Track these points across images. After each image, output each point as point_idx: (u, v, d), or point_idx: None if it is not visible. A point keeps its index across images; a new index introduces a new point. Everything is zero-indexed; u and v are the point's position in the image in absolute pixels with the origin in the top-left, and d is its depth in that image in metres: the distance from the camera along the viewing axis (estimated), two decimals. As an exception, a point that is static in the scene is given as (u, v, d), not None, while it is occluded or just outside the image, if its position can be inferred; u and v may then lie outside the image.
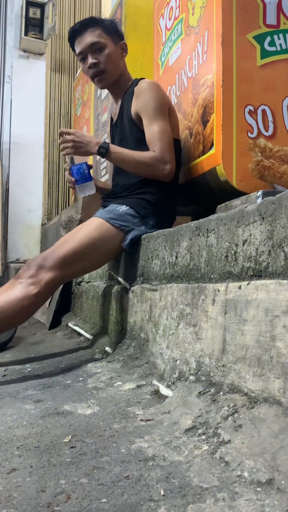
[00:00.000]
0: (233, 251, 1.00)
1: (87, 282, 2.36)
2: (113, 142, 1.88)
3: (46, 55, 4.82)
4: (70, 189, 4.52)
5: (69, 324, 2.33)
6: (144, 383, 1.23)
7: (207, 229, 1.12)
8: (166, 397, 1.10)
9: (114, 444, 0.85)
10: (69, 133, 1.65)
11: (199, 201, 1.88)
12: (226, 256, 1.02)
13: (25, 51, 4.72)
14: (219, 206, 1.36)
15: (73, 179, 1.70)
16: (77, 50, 1.75)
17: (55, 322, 2.60)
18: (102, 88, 1.86)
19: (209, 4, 1.60)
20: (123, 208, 1.67)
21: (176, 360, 1.16)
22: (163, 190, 1.70)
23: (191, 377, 1.06)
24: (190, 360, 1.09)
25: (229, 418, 0.82)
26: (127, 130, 1.76)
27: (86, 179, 1.70)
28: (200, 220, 1.16)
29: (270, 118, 1.55)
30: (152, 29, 2.20)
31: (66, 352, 1.83)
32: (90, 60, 1.72)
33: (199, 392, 0.97)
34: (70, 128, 4.71)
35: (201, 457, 0.77)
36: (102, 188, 1.95)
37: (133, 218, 1.65)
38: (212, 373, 0.98)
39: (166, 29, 2.01)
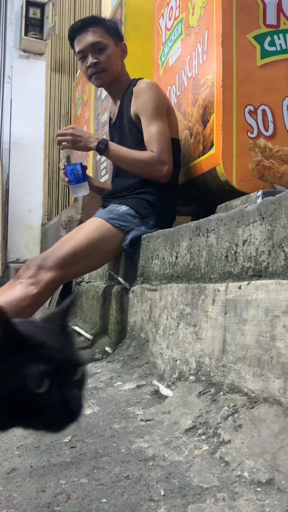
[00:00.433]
0: (233, 251, 1.00)
1: (87, 282, 2.36)
2: (112, 142, 1.87)
3: (46, 55, 4.81)
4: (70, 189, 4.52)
5: (69, 324, 2.33)
6: (144, 383, 1.23)
7: (207, 229, 1.12)
8: (166, 397, 1.10)
9: (114, 444, 0.85)
10: (66, 132, 1.64)
11: (199, 201, 1.87)
12: (226, 256, 1.02)
13: (25, 51, 4.72)
14: (219, 206, 1.36)
15: (66, 179, 1.70)
16: (77, 48, 1.73)
17: (55, 322, 2.59)
18: (98, 86, 1.84)
19: (209, 4, 1.60)
20: (123, 208, 1.66)
21: (176, 360, 1.16)
22: (163, 190, 1.70)
23: (191, 377, 1.06)
24: (190, 360, 1.09)
25: (229, 418, 0.82)
26: (126, 130, 1.76)
27: (79, 180, 1.69)
28: (200, 220, 1.16)
29: (270, 118, 1.55)
30: (152, 29, 2.20)
31: (66, 352, 1.82)
32: (91, 59, 1.71)
33: (199, 392, 0.97)
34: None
35: (201, 457, 0.77)
36: (101, 189, 1.95)
37: (133, 218, 1.65)
38: (212, 373, 0.98)
39: (166, 29, 2.01)
